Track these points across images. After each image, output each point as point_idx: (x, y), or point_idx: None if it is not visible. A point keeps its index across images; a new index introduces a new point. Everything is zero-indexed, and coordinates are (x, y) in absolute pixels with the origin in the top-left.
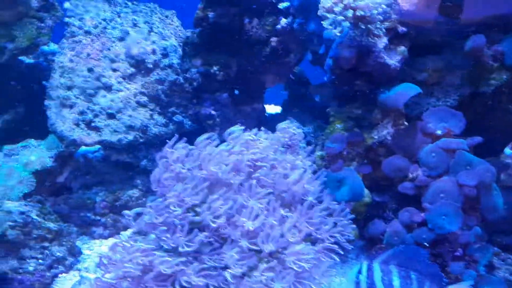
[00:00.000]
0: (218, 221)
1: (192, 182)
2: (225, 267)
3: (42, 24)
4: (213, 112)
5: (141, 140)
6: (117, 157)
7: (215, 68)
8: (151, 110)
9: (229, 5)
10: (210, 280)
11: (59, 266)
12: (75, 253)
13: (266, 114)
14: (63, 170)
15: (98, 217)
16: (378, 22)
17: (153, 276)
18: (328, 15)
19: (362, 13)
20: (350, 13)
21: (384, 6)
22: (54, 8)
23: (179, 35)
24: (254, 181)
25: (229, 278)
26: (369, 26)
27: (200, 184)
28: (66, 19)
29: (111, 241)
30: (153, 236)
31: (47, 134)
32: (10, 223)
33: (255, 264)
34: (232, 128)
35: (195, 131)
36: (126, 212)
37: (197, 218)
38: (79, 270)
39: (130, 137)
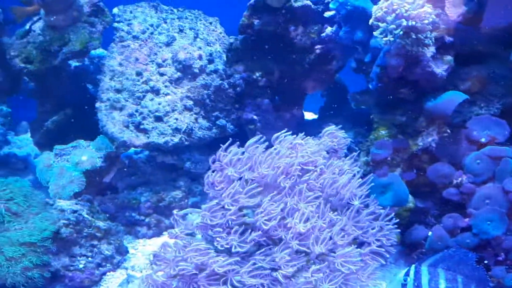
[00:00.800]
0: (270, 223)
1: (245, 185)
2: (276, 268)
3: (93, 29)
4: (254, 117)
5: (186, 143)
6: (162, 158)
7: (257, 74)
8: (196, 114)
9: (275, 13)
10: (261, 280)
11: (107, 264)
12: (122, 251)
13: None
14: (110, 171)
15: (142, 217)
16: (428, 32)
17: (206, 275)
18: (380, 24)
19: (414, 23)
20: (403, 22)
21: (434, 17)
22: (104, 13)
23: (223, 41)
24: (304, 185)
25: (280, 278)
26: (419, 35)
27: (252, 186)
28: (115, 24)
29: (154, 241)
30: (199, 236)
31: (93, 135)
32: (64, 221)
33: (304, 265)
34: (281, 133)
35: (237, 135)
36: (176, 212)
37: (249, 220)
38: (126, 268)
39: (176, 139)
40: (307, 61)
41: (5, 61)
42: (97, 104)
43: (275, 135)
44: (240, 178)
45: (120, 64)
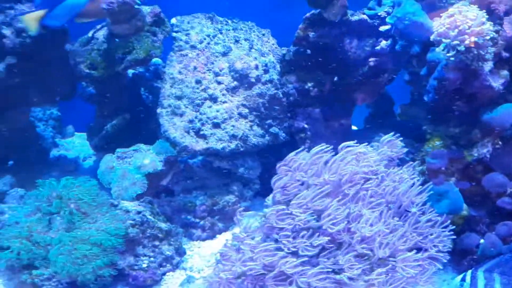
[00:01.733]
0: (336, 227)
1: (313, 189)
2: (340, 270)
3: (155, 38)
4: (305, 126)
5: (241, 149)
6: (218, 164)
7: (309, 84)
8: (251, 121)
9: (331, 26)
10: (326, 283)
11: (167, 265)
12: (181, 252)
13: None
14: (167, 174)
15: (197, 220)
16: (489, 47)
17: (274, 276)
18: (443, 39)
19: (476, 39)
20: (466, 39)
21: (494, 33)
22: (164, 23)
23: (276, 52)
24: (369, 192)
25: (345, 280)
26: (480, 51)
27: (319, 192)
28: (174, 34)
29: (208, 243)
30: (258, 238)
31: (147, 139)
32: (131, 222)
33: (365, 269)
34: (348, 143)
35: (288, 143)
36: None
37: (316, 224)
38: (184, 269)
39: (233, 145)
40: (360, 73)
41: (67, 67)
42: (158, 110)
43: (343, 144)
44: (303, 183)
45: (180, 72)
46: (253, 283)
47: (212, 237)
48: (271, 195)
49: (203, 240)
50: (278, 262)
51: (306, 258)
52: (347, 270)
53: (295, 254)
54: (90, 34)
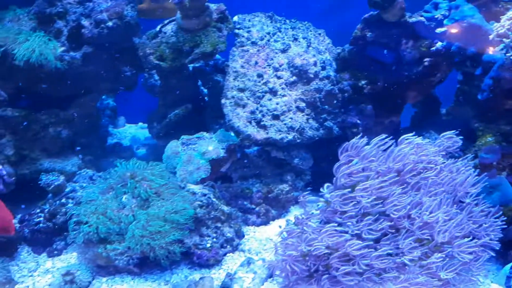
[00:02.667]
0: (398, 213)
1: (377, 177)
2: (400, 254)
3: (220, 33)
4: (358, 122)
5: (297, 141)
6: (276, 153)
7: (363, 82)
8: (307, 115)
9: (388, 27)
10: (386, 264)
11: (228, 246)
12: (240, 235)
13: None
14: (227, 161)
15: (253, 206)
16: None
17: (338, 256)
18: (504, 39)
19: None
20: None
21: None
22: (227, 20)
23: (331, 51)
24: (429, 181)
25: (407, 262)
26: None
27: (383, 179)
28: (236, 31)
29: (262, 228)
30: (319, 221)
31: (205, 128)
32: (199, 203)
33: (423, 253)
34: (406, 135)
35: (340, 137)
36: (306, 198)
37: (379, 209)
38: (243, 251)
39: (290, 137)
40: (414, 72)
41: (133, 58)
42: (223, 101)
43: (403, 136)
44: (364, 169)
45: (242, 66)
46: (316, 262)
47: (266, 223)
48: (325, 185)
49: (258, 225)
50: (343, 244)
51: (370, 242)
52: (407, 253)
53: (358, 236)
54: (158, 28)
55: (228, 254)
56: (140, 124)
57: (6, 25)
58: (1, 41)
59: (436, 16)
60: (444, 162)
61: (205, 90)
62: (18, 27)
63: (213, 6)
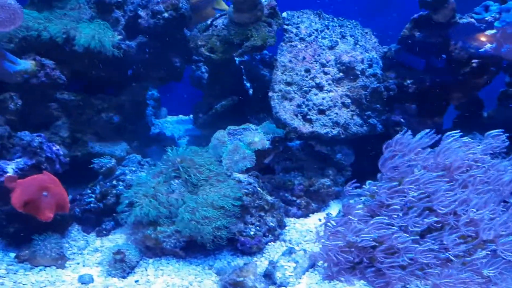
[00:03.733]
0: (445, 209)
1: (424, 171)
2: (444, 249)
3: (270, 28)
4: (401, 120)
5: (342, 136)
6: (319, 148)
7: (408, 81)
8: (352, 111)
9: (438, 27)
10: (430, 259)
11: (270, 235)
12: (282, 225)
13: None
14: (270, 153)
15: (294, 198)
16: None
17: (383, 248)
18: None
19: None
20: None
21: None
22: (277, 16)
23: (378, 49)
24: (477, 179)
25: (452, 257)
26: None
27: (431, 174)
28: (285, 26)
29: (302, 220)
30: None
31: (246, 120)
32: (245, 190)
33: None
34: (451, 132)
35: (383, 135)
36: (351, 190)
37: (425, 204)
38: (284, 241)
39: (335, 132)
40: (461, 73)
41: (182, 50)
42: (270, 94)
43: (448, 133)
44: (409, 165)
45: (290, 61)
46: (360, 254)
47: (306, 215)
48: (367, 183)
49: (298, 217)
50: (389, 236)
51: (416, 236)
52: (451, 249)
53: (403, 230)
54: (209, 22)
55: (269, 243)
56: (181, 116)
57: (68, 12)
58: (63, 28)
59: (486, 18)
60: (491, 161)
61: (248, 84)
62: (78, 15)
63: (264, 1)
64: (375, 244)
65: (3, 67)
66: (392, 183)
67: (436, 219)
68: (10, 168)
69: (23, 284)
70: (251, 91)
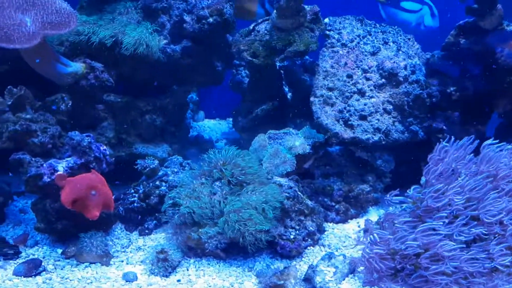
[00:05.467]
0: (492, 218)
1: (469, 179)
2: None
3: (312, 34)
4: (444, 127)
5: (383, 142)
6: (359, 154)
7: (451, 88)
8: (394, 117)
9: (484, 34)
10: (475, 268)
11: (309, 239)
12: (321, 230)
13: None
14: (310, 158)
15: (333, 203)
16: None
17: (428, 255)
18: None
19: None
20: None
21: None
22: (319, 21)
23: (420, 56)
24: None
25: (499, 267)
26: None
27: (477, 182)
28: (327, 32)
29: (341, 226)
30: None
31: (285, 125)
32: (286, 194)
33: None
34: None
35: (424, 142)
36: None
37: (471, 212)
38: (323, 245)
39: (376, 138)
40: (506, 81)
41: (224, 54)
42: (312, 98)
43: (487, 141)
44: (454, 172)
45: (332, 67)
46: (402, 261)
47: (344, 221)
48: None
49: (336, 222)
50: (435, 244)
51: (461, 245)
52: (497, 259)
53: (448, 237)
54: (251, 27)
55: (309, 247)
56: (217, 119)
57: (116, 17)
58: (111, 31)
59: None
60: None
61: (286, 88)
62: (126, 20)
63: (307, 7)
64: (419, 251)
65: (56, 68)
66: (436, 191)
67: (482, 229)
68: (61, 167)
69: (70, 280)
70: (289, 96)
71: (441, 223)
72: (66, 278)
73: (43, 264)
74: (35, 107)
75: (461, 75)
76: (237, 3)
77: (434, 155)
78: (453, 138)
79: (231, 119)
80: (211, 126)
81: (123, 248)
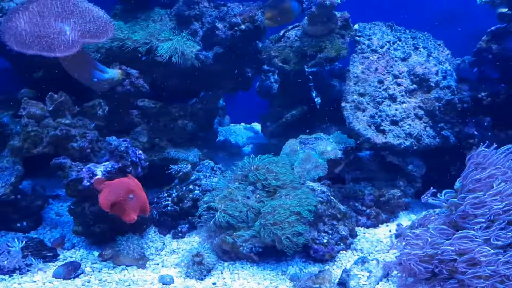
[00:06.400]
0: None
1: (505, 184)
2: None
3: (343, 40)
4: (475, 133)
5: (414, 147)
6: (391, 158)
7: (482, 93)
8: (425, 122)
9: None
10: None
11: (341, 244)
12: (354, 234)
13: None
14: (341, 163)
15: (364, 208)
16: None
17: (465, 259)
18: None
19: None
20: None
21: None
22: (350, 28)
23: (451, 61)
24: None
25: None
26: None
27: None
28: (357, 38)
29: (371, 230)
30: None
31: (313, 130)
32: (319, 199)
33: None
34: None
35: (454, 147)
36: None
37: (508, 217)
38: (355, 250)
39: (407, 143)
40: None
41: (252, 61)
42: (343, 104)
43: None
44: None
45: (362, 72)
46: (439, 265)
47: (375, 225)
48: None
49: (367, 227)
50: (472, 249)
51: (499, 250)
52: None
53: (485, 242)
54: (281, 33)
55: (341, 251)
56: (243, 124)
57: (151, 24)
58: (147, 38)
59: None
60: None
61: (315, 94)
62: (160, 27)
63: (337, 14)
64: (454, 257)
65: (93, 75)
66: (477, 194)
67: None
68: (99, 171)
69: (108, 283)
70: (318, 102)
71: (478, 227)
72: (104, 281)
73: (81, 266)
74: (73, 113)
75: (492, 81)
76: (271, 10)
77: (472, 159)
78: (487, 143)
79: (256, 124)
80: (236, 131)
81: (157, 251)
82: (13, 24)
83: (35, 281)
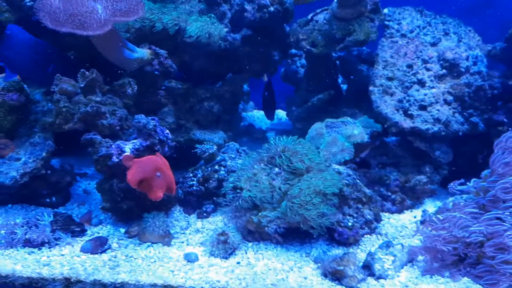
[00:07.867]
0: None
1: None
2: None
3: (372, 24)
4: (505, 120)
5: (442, 133)
6: (418, 144)
7: None
8: (454, 108)
9: None
10: None
11: (366, 228)
12: (378, 219)
13: None
14: (367, 147)
15: (389, 193)
16: None
17: (492, 244)
18: None
19: None
20: None
21: None
22: (379, 12)
23: (481, 48)
24: None
25: None
26: None
27: None
28: (386, 22)
29: (396, 216)
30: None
31: (338, 115)
32: (345, 181)
33: None
34: None
35: (482, 135)
36: (456, 187)
37: None
38: (380, 234)
39: (435, 128)
40: None
41: (279, 44)
42: (371, 88)
43: None
44: None
45: (391, 57)
46: (465, 249)
47: (400, 211)
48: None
49: (392, 212)
50: (500, 233)
51: None
52: None
53: None
54: (309, 17)
55: (366, 235)
56: None
57: (179, 5)
58: (175, 20)
59: None
60: None
61: (341, 79)
62: (189, 8)
63: None
64: (482, 240)
65: (123, 54)
66: (509, 178)
67: None
68: (128, 148)
69: (135, 259)
70: (344, 86)
71: (508, 213)
72: (131, 257)
73: (108, 242)
74: (103, 91)
75: None
76: None
77: (501, 144)
78: None
79: (280, 111)
80: (260, 117)
81: (182, 230)
82: (48, 1)
83: (63, 255)
